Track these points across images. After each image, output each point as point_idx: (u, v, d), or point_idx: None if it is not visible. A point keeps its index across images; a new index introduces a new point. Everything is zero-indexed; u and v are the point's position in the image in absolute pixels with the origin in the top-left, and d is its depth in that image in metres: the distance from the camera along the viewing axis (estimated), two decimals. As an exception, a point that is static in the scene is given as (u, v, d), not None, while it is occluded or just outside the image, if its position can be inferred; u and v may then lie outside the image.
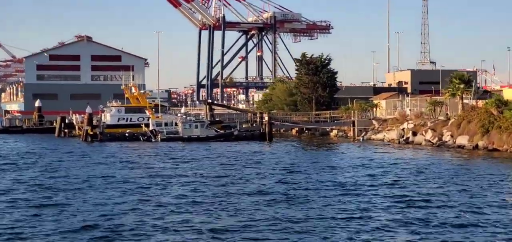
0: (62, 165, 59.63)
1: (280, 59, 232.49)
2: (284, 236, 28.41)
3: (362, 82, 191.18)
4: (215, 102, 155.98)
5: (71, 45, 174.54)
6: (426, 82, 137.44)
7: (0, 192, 41.23)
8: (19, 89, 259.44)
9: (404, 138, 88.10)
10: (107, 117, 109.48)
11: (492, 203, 36.21)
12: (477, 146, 73.96)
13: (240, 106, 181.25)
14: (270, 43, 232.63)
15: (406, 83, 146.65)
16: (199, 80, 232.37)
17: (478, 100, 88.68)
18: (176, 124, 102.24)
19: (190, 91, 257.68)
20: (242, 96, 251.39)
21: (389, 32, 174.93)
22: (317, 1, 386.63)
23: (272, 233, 28.79)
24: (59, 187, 42.92)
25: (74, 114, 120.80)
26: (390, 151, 76.14)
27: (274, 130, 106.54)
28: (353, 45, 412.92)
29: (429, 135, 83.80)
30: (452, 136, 79.90)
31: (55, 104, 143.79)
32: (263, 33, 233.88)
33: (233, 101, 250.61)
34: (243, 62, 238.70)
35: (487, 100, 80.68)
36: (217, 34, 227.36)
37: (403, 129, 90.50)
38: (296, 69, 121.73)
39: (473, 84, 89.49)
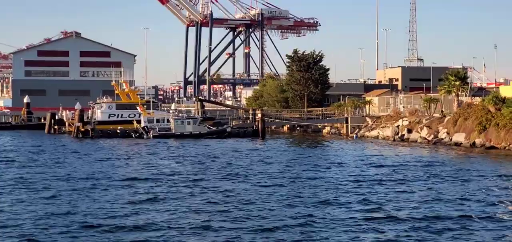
0: (65, 163, 58.40)
1: (268, 56, 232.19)
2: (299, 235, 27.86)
3: (348, 79, 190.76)
4: (207, 99, 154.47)
5: (59, 41, 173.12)
6: (417, 79, 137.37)
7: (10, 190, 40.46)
8: (4, 85, 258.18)
9: (399, 135, 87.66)
10: (98, 114, 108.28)
11: (498, 201, 35.84)
12: (474, 143, 73.56)
13: (228, 103, 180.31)
14: (258, 40, 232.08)
15: (396, 80, 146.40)
16: (186, 77, 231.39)
17: (472, 98, 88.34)
18: (168, 121, 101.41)
19: (177, 88, 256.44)
20: (229, 93, 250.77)
21: (377, 29, 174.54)
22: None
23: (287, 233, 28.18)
24: (69, 186, 42.01)
25: (64, 111, 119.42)
26: (387, 148, 75.73)
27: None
28: (340, 42, 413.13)
29: (424, 132, 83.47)
30: (448, 133, 79.54)
31: (43, 101, 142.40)
32: (250, 30, 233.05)
33: (220, 98, 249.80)
34: (230, 59, 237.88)
35: (484, 98, 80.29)
36: (205, 30, 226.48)
37: (398, 126, 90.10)
38: (288, 66, 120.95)
39: (469, 81, 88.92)
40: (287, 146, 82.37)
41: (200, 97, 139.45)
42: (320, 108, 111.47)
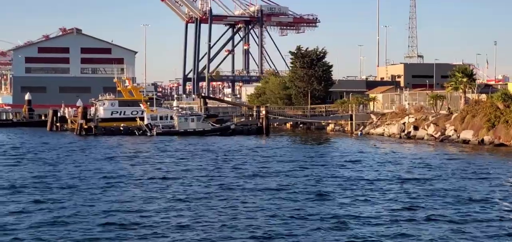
0: (77, 161, 57.55)
1: (267, 53, 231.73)
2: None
3: (348, 76, 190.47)
4: (210, 95, 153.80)
5: (60, 37, 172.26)
6: (419, 76, 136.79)
7: (20, 189, 39.79)
8: (2, 82, 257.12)
9: (406, 132, 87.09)
10: (100, 111, 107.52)
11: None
12: (482, 140, 72.97)
13: (228, 100, 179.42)
14: (257, 37, 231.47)
15: (399, 77, 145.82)
16: (185, 73, 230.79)
17: (479, 95, 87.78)
18: (171, 118, 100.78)
19: (176, 85, 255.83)
20: (228, 90, 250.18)
21: (378, 25, 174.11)
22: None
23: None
24: (80, 186, 41.33)
25: (66, 108, 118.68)
26: (395, 145, 75.14)
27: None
28: (339, 39, 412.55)
29: (431, 129, 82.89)
30: (455, 131, 78.96)
31: (44, 98, 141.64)
32: (249, 27, 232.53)
33: (219, 95, 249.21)
34: (230, 56, 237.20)
35: (492, 95, 79.77)
36: (204, 27, 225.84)
37: (404, 123, 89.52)
38: (291, 63, 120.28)
39: (476, 78, 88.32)
40: (294, 143, 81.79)
41: (203, 94, 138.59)
42: (324, 105, 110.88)
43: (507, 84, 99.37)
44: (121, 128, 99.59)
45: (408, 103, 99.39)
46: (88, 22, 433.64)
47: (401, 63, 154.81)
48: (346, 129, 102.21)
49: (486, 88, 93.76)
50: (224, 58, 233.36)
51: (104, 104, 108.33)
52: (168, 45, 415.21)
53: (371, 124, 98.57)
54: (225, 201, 34.80)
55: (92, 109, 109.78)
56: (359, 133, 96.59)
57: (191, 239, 26.51)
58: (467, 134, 76.17)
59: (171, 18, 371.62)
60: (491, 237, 26.97)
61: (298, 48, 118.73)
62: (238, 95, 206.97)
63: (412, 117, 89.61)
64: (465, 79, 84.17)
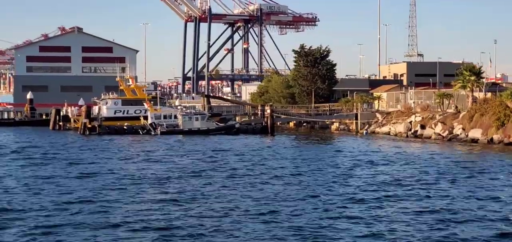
0: (88, 160, 56.86)
1: (266, 52, 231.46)
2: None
3: (346, 75, 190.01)
4: (212, 94, 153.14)
5: (61, 36, 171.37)
6: (422, 75, 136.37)
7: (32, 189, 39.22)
8: (1, 81, 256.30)
9: (412, 131, 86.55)
10: (103, 110, 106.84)
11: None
12: (492, 139, 72.54)
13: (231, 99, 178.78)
14: (256, 36, 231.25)
15: (401, 75, 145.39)
16: (185, 72, 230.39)
17: (486, 93, 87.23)
18: (175, 117, 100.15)
19: (175, 84, 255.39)
20: (227, 89, 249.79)
21: (379, 24, 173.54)
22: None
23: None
24: (103, 186, 40.76)
25: (69, 107, 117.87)
26: (404, 145, 74.67)
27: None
28: (339, 38, 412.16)
29: (439, 128, 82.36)
30: (464, 129, 78.45)
31: (45, 97, 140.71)
32: (249, 26, 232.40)
33: (218, 94, 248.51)
34: (229, 55, 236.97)
35: (501, 93, 79.32)
36: (203, 26, 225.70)
37: (410, 122, 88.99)
38: (294, 61, 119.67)
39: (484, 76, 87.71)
40: (300, 143, 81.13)
41: (207, 93, 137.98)
42: (327, 104, 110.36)
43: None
44: (125, 127, 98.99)
45: (414, 102, 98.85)
46: (86, 21, 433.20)
47: (403, 62, 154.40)
48: (351, 128, 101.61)
49: (493, 86, 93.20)
50: (224, 57, 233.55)
51: (107, 103, 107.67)
52: (166, 44, 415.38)
53: (377, 123, 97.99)
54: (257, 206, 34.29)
55: (95, 108, 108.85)
56: (364, 132, 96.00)
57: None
58: (475, 133, 75.68)
59: (170, 17, 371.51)
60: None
61: (302, 46, 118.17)
62: (238, 95, 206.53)
63: (419, 116, 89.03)
64: (473, 78, 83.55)
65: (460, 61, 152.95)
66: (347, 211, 31.80)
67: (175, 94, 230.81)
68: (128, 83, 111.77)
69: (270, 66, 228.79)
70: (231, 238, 26.49)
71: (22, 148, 70.91)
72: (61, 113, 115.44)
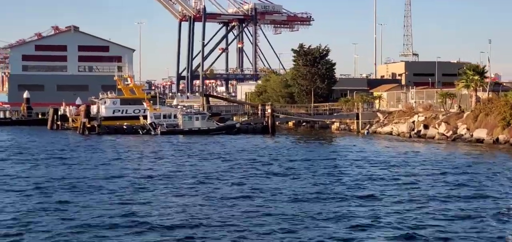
0: (95, 161, 55.88)
1: (261, 51, 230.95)
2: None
3: (341, 75, 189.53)
4: (212, 94, 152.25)
5: (57, 35, 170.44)
6: (421, 74, 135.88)
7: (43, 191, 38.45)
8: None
9: (415, 131, 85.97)
10: (102, 109, 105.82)
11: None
12: (497, 139, 72.03)
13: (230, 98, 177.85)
14: (251, 35, 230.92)
15: (400, 75, 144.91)
16: (179, 72, 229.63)
17: (489, 93, 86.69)
18: (175, 116, 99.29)
19: (169, 83, 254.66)
20: (221, 88, 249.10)
21: (375, 24, 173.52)
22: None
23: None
24: (117, 186, 40.16)
25: (67, 106, 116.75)
26: (410, 145, 74.14)
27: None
28: (333, 37, 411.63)
29: (442, 128, 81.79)
30: (468, 129, 77.91)
31: (41, 96, 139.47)
32: (243, 25, 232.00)
33: (212, 94, 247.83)
34: (223, 54, 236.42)
35: (506, 93, 78.84)
36: (198, 25, 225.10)
37: (413, 122, 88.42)
38: (293, 60, 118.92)
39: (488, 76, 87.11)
40: (306, 143, 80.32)
41: (206, 92, 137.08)
42: (327, 104, 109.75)
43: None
44: (124, 127, 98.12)
45: (415, 102, 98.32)
46: (80, 20, 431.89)
47: (402, 61, 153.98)
48: (352, 128, 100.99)
49: (497, 86, 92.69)
50: (218, 57, 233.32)
51: (105, 102, 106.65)
52: (160, 43, 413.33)
53: (378, 123, 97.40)
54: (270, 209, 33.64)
55: (94, 107, 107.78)
56: (365, 131, 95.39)
57: None
58: (480, 133, 75.15)
59: (164, 16, 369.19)
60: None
61: (301, 46, 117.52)
62: (233, 94, 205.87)
63: (422, 116, 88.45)
64: (476, 77, 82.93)
65: (455, 61, 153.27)
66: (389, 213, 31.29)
67: (170, 94, 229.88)
68: (126, 83, 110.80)
69: (265, 66, 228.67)
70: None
71: (26, 148, 69.96)
72: (59, 113, 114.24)
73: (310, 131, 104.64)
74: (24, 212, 31.43)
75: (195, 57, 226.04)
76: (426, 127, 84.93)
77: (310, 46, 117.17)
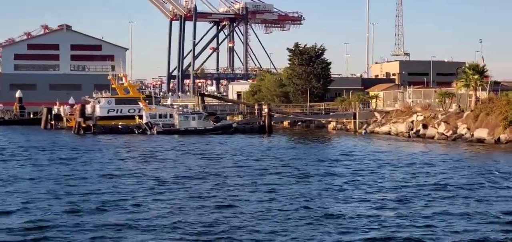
0: (102, 162, 54.94)
1: (252, 51, 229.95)
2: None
3: (332, 74, 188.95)
4: (207, 93, 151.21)
5: (49, 34, 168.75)
6: (415, 74, 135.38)
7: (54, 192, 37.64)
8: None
9: (414, 130, 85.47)
10: (96, 109, 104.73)
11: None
12: (499, 139, 71.62)
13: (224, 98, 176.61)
14: (242, 34, 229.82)
15: (394, 74, 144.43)
16: (170, 71, 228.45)
17: (490, 92, 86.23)
18: (170, 116, 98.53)
19: (159, 83, 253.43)
20: (212, 88, 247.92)
21: (368, 23, 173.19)
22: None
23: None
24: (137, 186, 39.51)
25: (62, 106, 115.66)
26: (410, 145, 73.67)
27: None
28: (324, 37, 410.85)
29: (442, 128, 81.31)
30: (468, 129, 77.46)
31: (34, 95, 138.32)
32: (234, 24, 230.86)
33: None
34: (214, 54, 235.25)
35: (507, 92, 78.47)
36: (188, 25, 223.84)
37: (412, 121, 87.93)
38: (289, 59, 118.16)
39: (489, 75, 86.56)
40: (303, 143, 79.66)
41: (202, 92, 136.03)
42: (323, 103, 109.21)
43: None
44: (120, 126, 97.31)
45: (412, 101, 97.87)
46: (69, 19, 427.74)
47: (396, 60, 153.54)
48: (349, 127, 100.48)
49: (496, 85, 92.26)
50: (209, 56, 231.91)
51: (100, 102, 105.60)
52: (151, 42, 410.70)
53: (376, 122, 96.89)
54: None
55: (88, 107, 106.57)
56: (363, 131, 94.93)
57: None
58: (481, 133, 74.72)
59: (155, 15, 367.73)
60: None
61: (296, 45, 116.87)
62: (224, 93, 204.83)
63: (420, 115, 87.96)
64: (476, 77, 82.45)
65: (446, 60, 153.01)
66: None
67: (161, 93, 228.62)
68: (121, 82, 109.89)
69: (256, 65, 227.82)
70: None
71: (26, 148, 69.00)
72: (53, 112, 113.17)
73: (306, 131, 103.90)
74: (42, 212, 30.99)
75: (185, 56, 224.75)
76: (425, 126, 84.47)
77: (305, 45, 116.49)
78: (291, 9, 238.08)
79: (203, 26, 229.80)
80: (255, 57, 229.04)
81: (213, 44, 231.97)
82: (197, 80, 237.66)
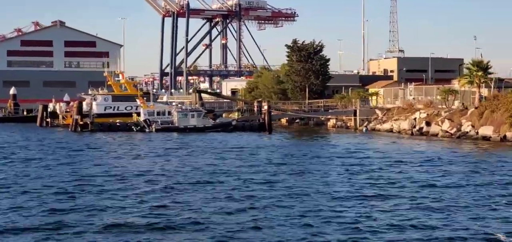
0: (111, 161, 53.77)
1: (245, 47, 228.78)
2: None
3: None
4: (204, 90, 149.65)
5: (43, 30, 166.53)
6: (413, 71, 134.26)
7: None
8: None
9: (417, 128, 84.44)
10: (93, 106, 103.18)
11: None
12: (505, 137, 70.69)
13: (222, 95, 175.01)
14: (235, 31, 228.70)
15: (391, 71, 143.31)
16: (163, 68, 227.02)
17: (496, 89, 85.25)
18: (169, 113, 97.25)
19: (151, 80, 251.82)
20: (205, 85, 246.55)
21: (363, 19, 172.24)
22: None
23: None
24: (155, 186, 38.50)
25: (58, 103, 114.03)
26: (415, 142, 72.73)
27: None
28: (318, 33, 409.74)
29: (446, 125, 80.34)
30: (473, 126, 76.50)
31: (28, 92, 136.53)
32: (227, 21, 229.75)
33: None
34: (207, 50, 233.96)
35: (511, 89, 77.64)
36: (181, 21, 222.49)
37: (415, 119, 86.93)
38: (287, 56, 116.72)
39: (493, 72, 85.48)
40: (307, 141, 78.71)
41: (199, 89, 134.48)
42: (322, 100, 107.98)
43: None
44: (118, 124, 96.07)
45: (413, 98, 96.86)
46: (61, 16, 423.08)
47: (394, 57, 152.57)
48: (349, 125, 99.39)
49: (500, 82, 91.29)
50: (202, 53, 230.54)
51: (97, 99, 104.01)
52: (143, 39, 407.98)
53: (377, 120, 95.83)
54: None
55: (84, 104, 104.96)
56: (364, 129, 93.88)
57: None
58: (486, 130, 73.76)
59: (147, 12, 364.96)
60: None
61: (294, 41, 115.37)
62: (218, 90, 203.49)
63: (423, 112, 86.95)
64: (480, 73, 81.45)
65: (444, 57, 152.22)
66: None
67: (154, 90, 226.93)
68: (117, 79, 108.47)
69: (249, 62, 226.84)
70: None
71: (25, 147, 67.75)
72: (48, 109, 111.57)
73: (305, 128, 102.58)
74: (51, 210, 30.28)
75: (178, 53, 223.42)
76: (428, 123, 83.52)
77: (304, 41, 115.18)
78: (284, 6, 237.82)
79: (196, 22, 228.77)
80: (248, 54, 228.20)
81: (206, 41, 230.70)
82: (190, 77, 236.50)
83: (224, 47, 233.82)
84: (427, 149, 63.82)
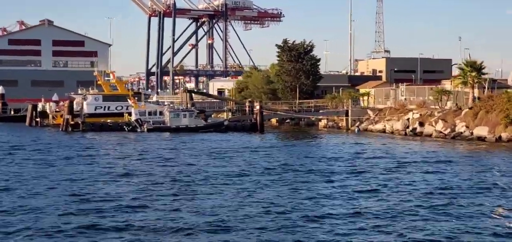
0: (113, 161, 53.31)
1: (231, 47, 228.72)
2: None
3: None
4: (195, 90, 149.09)
5: (31, 29, 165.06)
6: (402, 71, 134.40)
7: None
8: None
9: (411, 128, 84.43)
10: (84, 106, 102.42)
11: None
12: (500, 137, 70.82)
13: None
14: (221, 31, 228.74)
15: (380, 71, 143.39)
16: (149, 68, 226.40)
17: (490, 90, 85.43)
18: (160, 113, 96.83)
19: (137, 79, 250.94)
20: (191, 85, 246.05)
21: (351, 20, 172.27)
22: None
23: None
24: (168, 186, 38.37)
25: (47, 103, 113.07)
26: (411, 143, 72.66)
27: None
28: (304, 34, 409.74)
29: (439, 126, 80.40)
30: (467, 127, 76.57)
31: (15, 91, 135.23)
32: (214, 21, 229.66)
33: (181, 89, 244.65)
34: (193, 50, 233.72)
35: (507, 90, 77.73)
36: (167, 21, 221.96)
37: (408, 119, 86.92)
38: (278, 56, 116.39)
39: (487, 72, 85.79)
40: (299, 141, 78.49)
41: (189, 89, 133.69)
42: (312, 100, 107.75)
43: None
44: (109, 124, 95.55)
45: (405, 99, 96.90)
46: (47, 15, 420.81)
47: (383, 57, 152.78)
48: (340, 125, 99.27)
49: (493, 83, 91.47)
50: (188, 53, 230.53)
51: (87, 98, 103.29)
52: (129, 38, 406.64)
53: (369, 120, 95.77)
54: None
55: (74, 103, 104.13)
56: (356, 129, 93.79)
57: None
58: (481, 131, 73.84)
59: (133, 11, 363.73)
60: None
61: (285, 41, 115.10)
62: (204, 90, 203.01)
63: (416, 113, 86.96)
64: (474, 74, 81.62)
65: (433, 57, 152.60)
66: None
67: (141, 90, 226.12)
68: (107, 78, 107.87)
69: (235, 62, 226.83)
70: None
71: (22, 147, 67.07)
72: (38, 109, 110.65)
73: (296, 129, 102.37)
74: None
75: (164, 53, 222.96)
76: (421, 124, 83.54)
77: (294, 41, 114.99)
78: (270, 6, 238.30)
79: (182, 22, 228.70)
80: (235, 54, 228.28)
81: (192, 40, 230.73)
82: (176, 77, 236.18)
83: (210, 47, 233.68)
84: (428, 149, 63.70)
